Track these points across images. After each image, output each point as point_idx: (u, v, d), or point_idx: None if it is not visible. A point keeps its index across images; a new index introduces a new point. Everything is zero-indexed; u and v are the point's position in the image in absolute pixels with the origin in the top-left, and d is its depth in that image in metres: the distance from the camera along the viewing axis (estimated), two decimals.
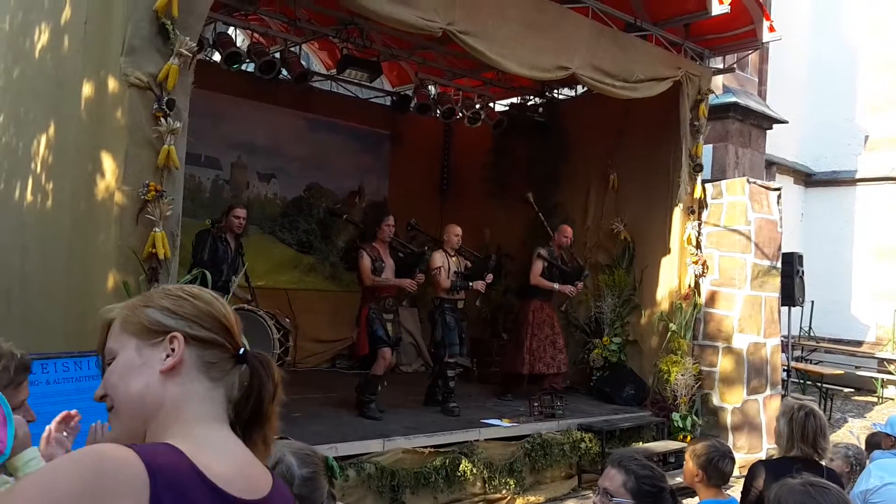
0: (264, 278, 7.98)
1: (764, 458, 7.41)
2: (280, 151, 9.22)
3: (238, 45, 7.64)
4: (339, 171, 9.78)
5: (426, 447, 5.65)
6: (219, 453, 1.05)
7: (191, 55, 4.54)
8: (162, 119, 4.40)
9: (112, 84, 4.49)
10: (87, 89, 4.75)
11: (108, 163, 4.49)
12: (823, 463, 3.48)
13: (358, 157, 10.06)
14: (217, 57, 7.47)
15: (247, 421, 1.14)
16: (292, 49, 7.79)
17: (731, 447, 6.89)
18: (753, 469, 3.64)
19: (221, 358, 1.14)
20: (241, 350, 1.15)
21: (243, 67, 7.88)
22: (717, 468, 3.21)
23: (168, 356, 1.10)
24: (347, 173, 9.91)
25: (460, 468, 5.68)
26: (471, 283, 7.09)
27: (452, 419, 6.50)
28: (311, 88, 8.98)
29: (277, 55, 7.69)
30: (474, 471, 5.76)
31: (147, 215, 4.37)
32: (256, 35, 8.10)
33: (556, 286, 7.70)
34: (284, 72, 7.86)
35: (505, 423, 6.50)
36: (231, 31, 7.94)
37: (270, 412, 1.16)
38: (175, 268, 4.57)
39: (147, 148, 4.42)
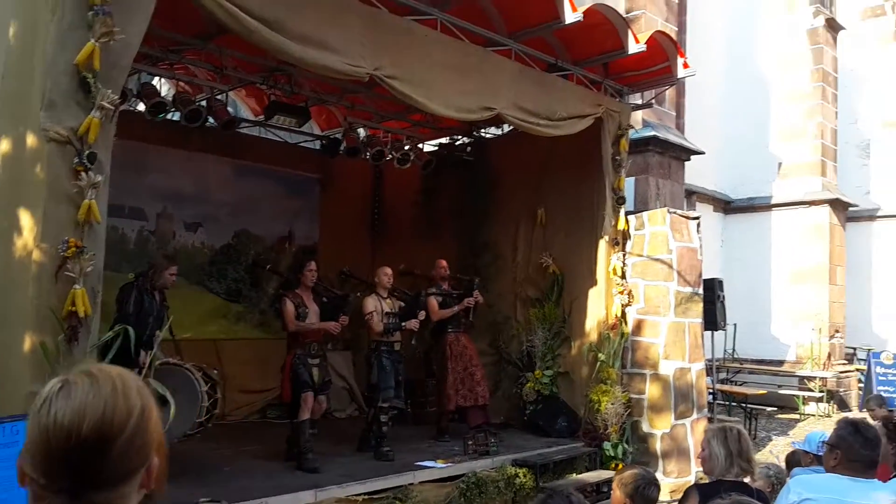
0: (191, 330, 7.83)
1: (694, 481, 7.64)
2: (207, 199, 9.11)
3: (163, 94, 7.58)
4: (268, 217, 9.71)
5: (360, 495, 5.61)
6: None
7: (113, 108, 4.48)
8: (83, 173, 4.31)
9: (31, 139, 4.40)
10: (4, 146, 4.64)
11: (25, 220, 4.38)
12: (748, 481, 3.63)
13: (288, 202, 10.00)
14: (142, 107, 7.38)
15: None
16: (219, 97, 7.77)
17: (657, 474, 7.05)
18: (687, 493, 3.74)
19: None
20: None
21: (169, 116, 7.80)
22: (643, 496, 3.31)
23: None
24: (277, 219, 9.85)
25: None
26: (404, 324, 7.14)
27: (387, 464, 6.48)
28: (239, 135, 8.92)
29: (204, 103, 7.65)
30: None
31: (67, 272, 4.25)
32: (182, 84, 8.03)
33: (456, 307, 7.84)
34: (212, 119, 7.82)
35: (439, 463, 6.52)
36: (156, 80, 7.86)
37: None
38: (96, 326, 4.46)
39: (66, 203, 4.32)
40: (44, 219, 4.28)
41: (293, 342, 6.51)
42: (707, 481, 3.71)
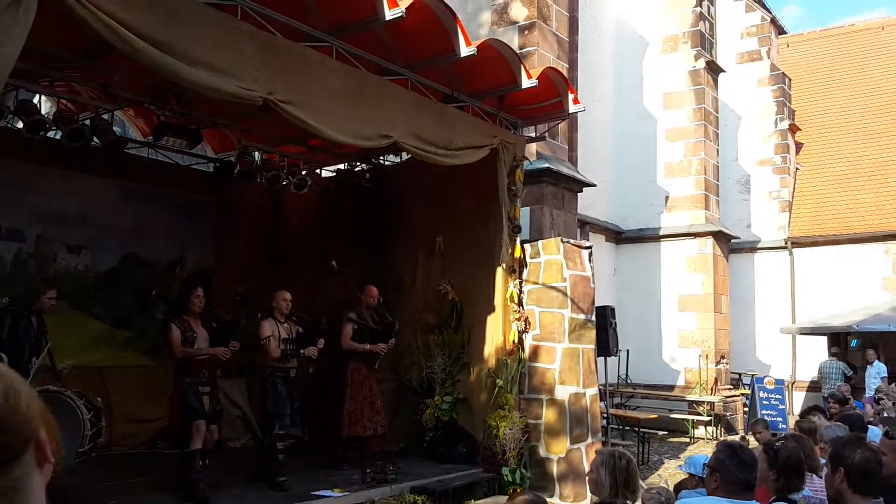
0: (74, 356, 7.43)
1: None
2: (92, 222, 8.72)
3: (44, 112, 7.24)
4: (158, 241, 9.38)
5: None
6: None
7: None
8: None
9: None
10: None
11: None
12: None
13: (179, 226, 9.69)
14: (21, 124, 7.04)
15: None
16: (104, 116, 7.49)
17: (554, 498, 7.14)
18: None
19: None
20: None
21: (50, 135, 7.45)
22: None
23: None
24: (168, 243, 9.52)
25: None
26: (302, 351, 7.02)
27: (282, 494, 6.32)
28: (127, 156, 8.60)
29: (88, 122, 7.36)
30: None
31: None
32: (64, 102, 7.71)
33: (368, 346, 7.78)
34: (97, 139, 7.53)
35: (336, 492, 6.40)
36: (38, 98, 7.52)
37: None
38: None
39: None
40: None
41: (182, 370, 6.31)
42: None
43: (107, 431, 6.18)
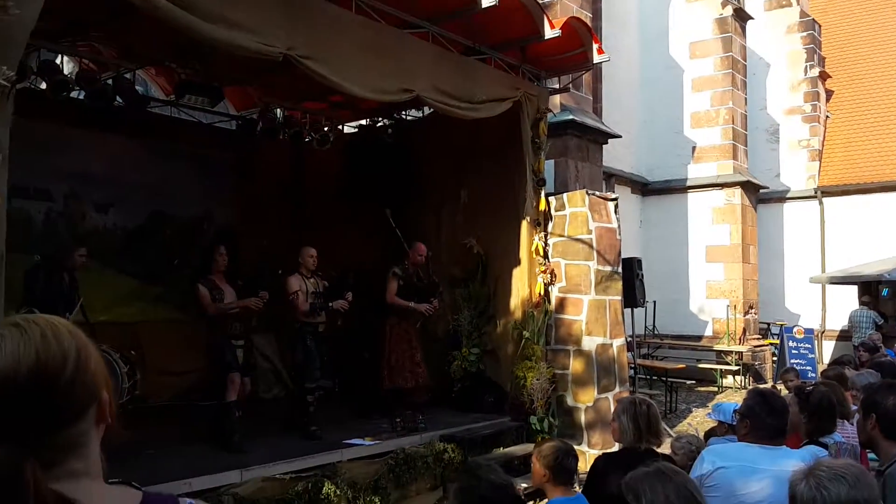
0: (106, 313, 7.58)
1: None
2: (119, 180, 8.78)
3: (67, 72, 7.28)
4: (184, 198, 9.44)
5: (286, 473, 5.56)
6: None
7: (9, 85, 4.30)
8: None
9: None
10: None
11: None
12: (659, 450, 3.76)
13: (204, 183, 9.72)
14: (45, 85, 7.09)
15: None
16: (126, 75, 7.51)
17: (582, 446, 7.20)
18: (596, 462, 3.88)
19: None
20: None
21: (74, 95, 7.49)
22: (562, 466, 3.41)
23: None
24: (194, 200, 9.58)
25: (323, 491, 5.61)
26: (331, 304, 7.08)
27: (314, 442, 6.45)
28: (150, 114, 8.62)
29: (110, 82, 7.38)
30: (338, 492, 5.71)
31: None
32: (86, 62, 7.74)
33: (412, 304, 7.68)
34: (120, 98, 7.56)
35: (367, 441, 6.53)
36: (60, 58, 7.55)
37: None
38: (1, 308, 4.30)
39: None
40: None
41: (215, 325, 6.41)
42: (616, 450, 3.84)
43: (142, 384, 6.33)
